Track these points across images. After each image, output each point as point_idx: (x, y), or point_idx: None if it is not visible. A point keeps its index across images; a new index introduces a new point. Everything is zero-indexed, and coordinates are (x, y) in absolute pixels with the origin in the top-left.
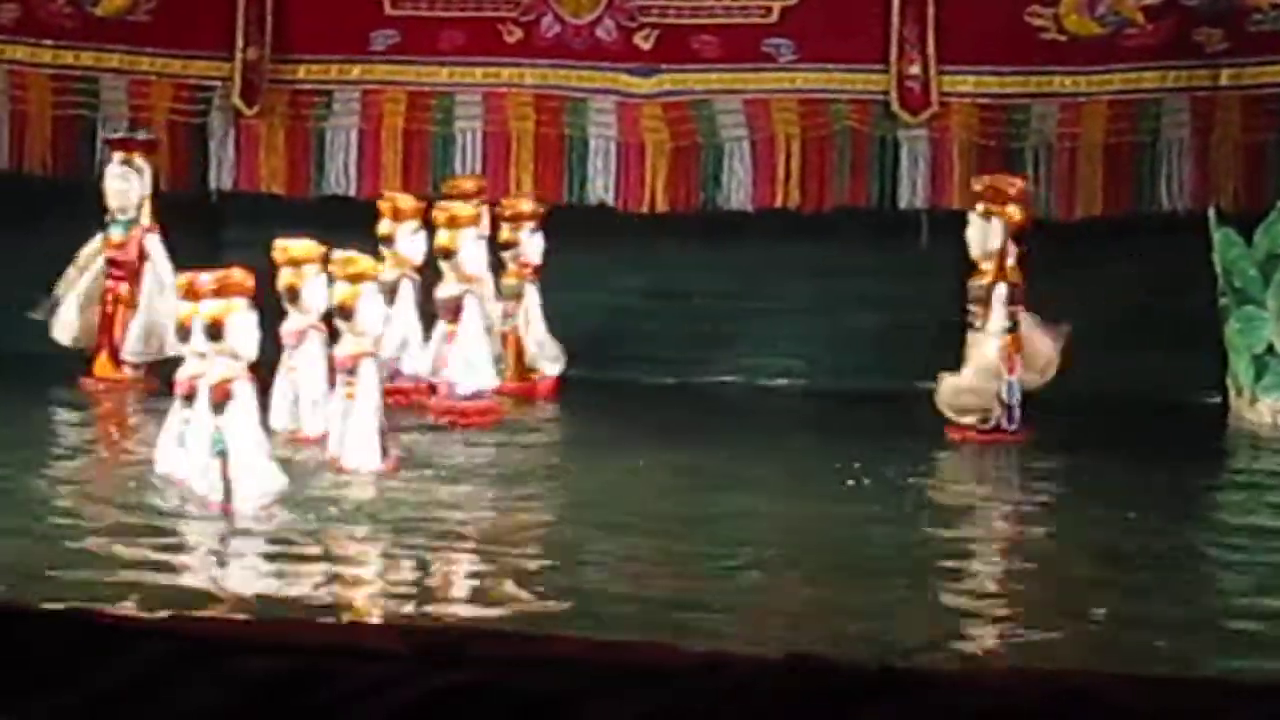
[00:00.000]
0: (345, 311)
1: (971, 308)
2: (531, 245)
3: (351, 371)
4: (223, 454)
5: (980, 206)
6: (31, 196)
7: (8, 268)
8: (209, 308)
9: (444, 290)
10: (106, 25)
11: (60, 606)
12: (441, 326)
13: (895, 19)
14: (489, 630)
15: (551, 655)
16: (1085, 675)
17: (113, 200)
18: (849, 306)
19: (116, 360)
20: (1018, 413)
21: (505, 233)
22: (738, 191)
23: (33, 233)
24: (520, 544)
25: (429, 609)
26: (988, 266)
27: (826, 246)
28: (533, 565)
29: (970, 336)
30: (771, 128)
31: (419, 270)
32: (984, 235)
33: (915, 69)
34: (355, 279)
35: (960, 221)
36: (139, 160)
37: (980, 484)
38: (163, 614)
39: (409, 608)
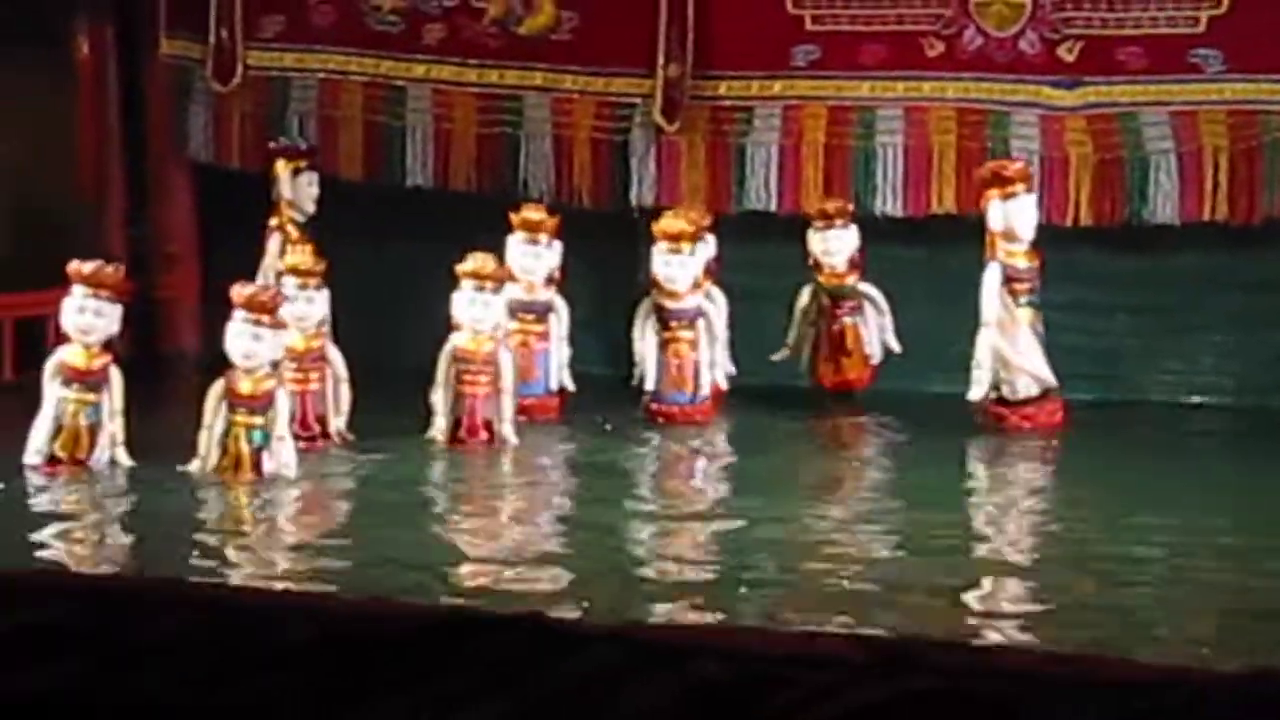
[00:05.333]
0: None
1: None
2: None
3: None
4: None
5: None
6: (462, 211)
7: (436, 281)
8: None
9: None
10: (530, 44)
11: (512, 611)
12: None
13: None
14: (941, 639)
15: (1005, 665)
16: None
17: None
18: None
19: None
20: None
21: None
22: (1164, 205)
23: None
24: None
25: None
26: None
27: (1255, 260)
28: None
29: None
30: (1199, 140)
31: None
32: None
33: None
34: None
35: None
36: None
37: None
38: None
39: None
